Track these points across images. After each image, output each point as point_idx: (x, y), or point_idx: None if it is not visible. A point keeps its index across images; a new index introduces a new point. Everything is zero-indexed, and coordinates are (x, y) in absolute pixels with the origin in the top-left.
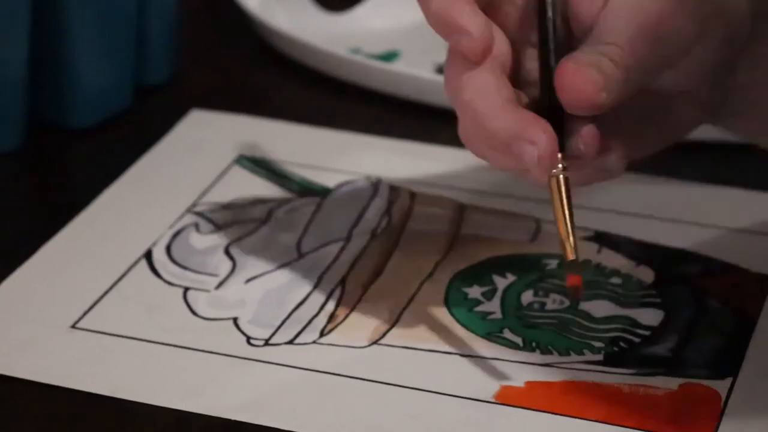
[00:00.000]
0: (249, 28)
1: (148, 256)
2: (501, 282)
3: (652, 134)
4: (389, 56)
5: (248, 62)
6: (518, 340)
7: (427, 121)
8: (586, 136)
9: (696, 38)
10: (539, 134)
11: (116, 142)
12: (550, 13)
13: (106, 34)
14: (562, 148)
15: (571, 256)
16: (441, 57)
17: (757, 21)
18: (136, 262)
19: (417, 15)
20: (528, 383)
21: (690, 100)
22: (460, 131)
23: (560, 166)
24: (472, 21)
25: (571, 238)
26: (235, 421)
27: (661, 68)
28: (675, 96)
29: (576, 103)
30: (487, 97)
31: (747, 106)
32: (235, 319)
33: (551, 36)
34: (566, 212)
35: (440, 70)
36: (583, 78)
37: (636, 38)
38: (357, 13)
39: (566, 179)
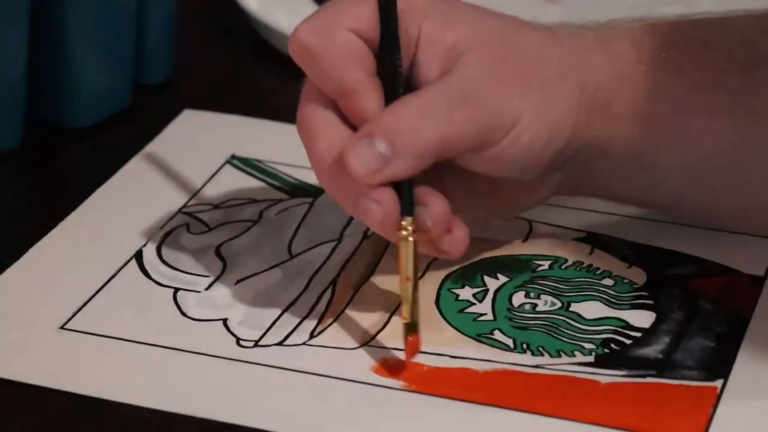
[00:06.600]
0: (249, 28)
1: (138, 256)
2: (492, 283)
3: (491, 210)
4: None
5: (248, 62)
6: (509, 342)
7: None
8: (436, 216)
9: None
10: (385, 195)
11: (115, 142)
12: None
13: (105, 34)
14: (411, 211)
15: (407, 319)
16: None
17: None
18: (126, 263)
19: None
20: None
21: (518, 185)
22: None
23: (410, 228)
24: None
25: (410, 301)
26: (225, 423)
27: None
28: (503, 181)
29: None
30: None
31: (588, 188)
32: (225, 320)
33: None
34: (411, 275)
35: None
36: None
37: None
38: None
39: (414, 243)
